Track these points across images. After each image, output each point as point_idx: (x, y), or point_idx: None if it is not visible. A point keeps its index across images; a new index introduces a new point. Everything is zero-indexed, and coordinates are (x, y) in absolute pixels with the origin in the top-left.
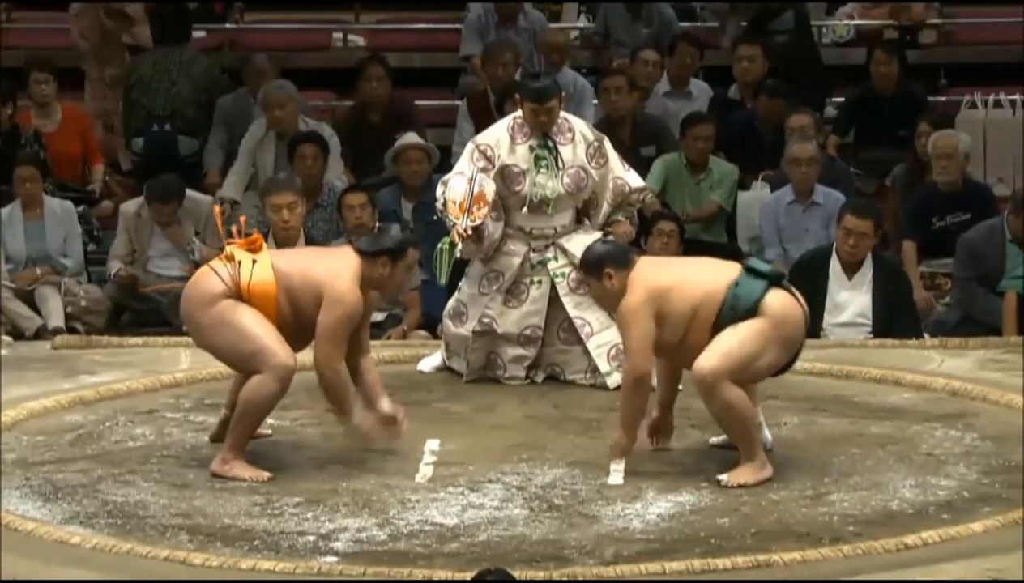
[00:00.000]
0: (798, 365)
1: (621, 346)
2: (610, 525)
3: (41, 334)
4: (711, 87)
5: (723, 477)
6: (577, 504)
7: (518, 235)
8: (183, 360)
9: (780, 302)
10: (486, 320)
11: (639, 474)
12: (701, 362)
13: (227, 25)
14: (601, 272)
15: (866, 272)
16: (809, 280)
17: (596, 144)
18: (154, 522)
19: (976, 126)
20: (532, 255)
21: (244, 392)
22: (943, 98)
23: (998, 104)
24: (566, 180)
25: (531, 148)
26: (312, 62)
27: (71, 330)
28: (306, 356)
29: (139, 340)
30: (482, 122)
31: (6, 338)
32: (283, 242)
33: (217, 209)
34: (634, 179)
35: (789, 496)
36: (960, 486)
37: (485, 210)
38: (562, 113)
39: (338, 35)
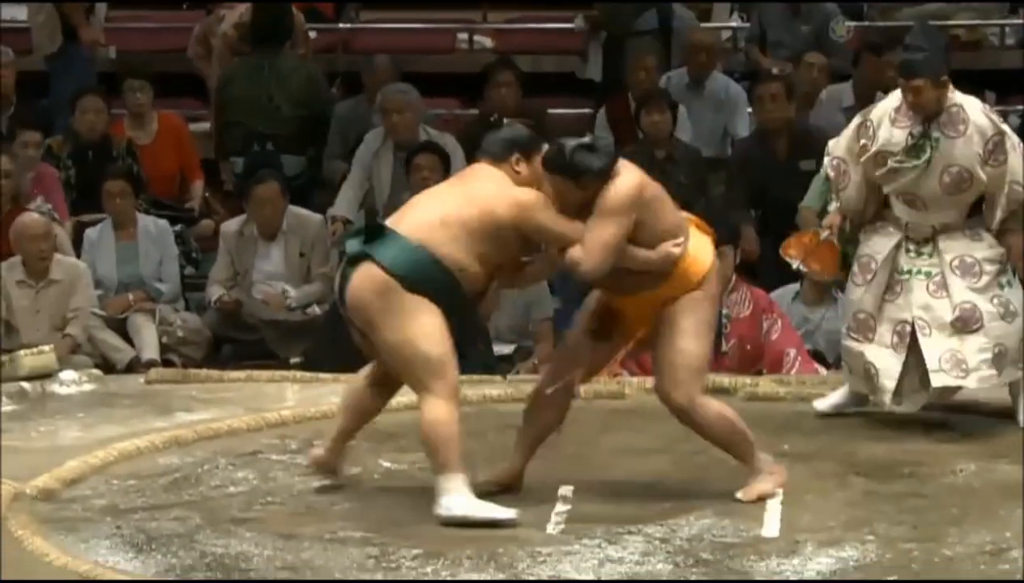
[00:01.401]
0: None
1: (960, 354)
2: None
3: (134, 367)
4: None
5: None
6: (727, 559)
7: (894, 223)
8: (289, 396)
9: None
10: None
11: (797, 526)
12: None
13: (340, 25)
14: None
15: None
16: None
17: (996, 139)
18: (257, 576)
19: None
20: (908, 246)
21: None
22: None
23: None
24: (945, 179)
25: (911, 135)
26: (434, 66)
27: (166, 363)
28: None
29: (241, 374)
30: (622, 131)
31: (95, 371)
32: None
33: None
34: None
35: (965, 552)
36: None
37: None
38: (959, 98)
39: (463, 36)
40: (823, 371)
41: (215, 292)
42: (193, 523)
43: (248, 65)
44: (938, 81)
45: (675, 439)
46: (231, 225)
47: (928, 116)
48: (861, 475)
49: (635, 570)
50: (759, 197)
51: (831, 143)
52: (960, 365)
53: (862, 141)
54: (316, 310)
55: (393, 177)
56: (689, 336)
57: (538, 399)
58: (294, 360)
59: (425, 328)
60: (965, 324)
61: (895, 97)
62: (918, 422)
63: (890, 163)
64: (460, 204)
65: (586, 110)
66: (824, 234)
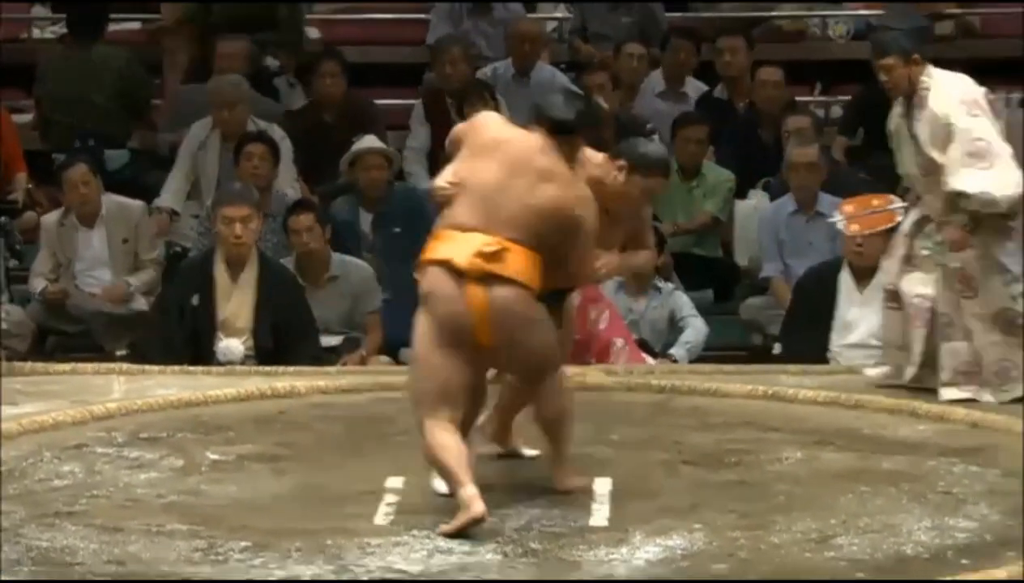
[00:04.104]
0: (800, 394)
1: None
2: (592, 572)
3: None
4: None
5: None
6: (556, 549)
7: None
8: (115, 389)
9: None
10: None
11: (625, 516)
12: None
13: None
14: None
15: (878, 287)
16: (815, 298)
17: (947, 127)
18: (83, 570)
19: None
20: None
21: (555, 411)
22: None
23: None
24: (920, 161)
25: (898, 114)
26: None
27: None
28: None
29: (66, 367)
30: (439, 125)
31: None
32: (232, 261)
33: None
34: (960, 180)
35: (791, 539)
36: (981, 528)
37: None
38: (932, 81)
39: None
40: (650, 360)
41: (38, 284)
42: (17, 517)
43: (60, 59)
44: (908, 60)
45: None
46: (51, 216)
47: (907, 97)
48: (689, 464)
49: (464, 560)
50: None
51: None
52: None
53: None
54: (142, 303)
55: (220, 167)
56: None
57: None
58: (120, 352)
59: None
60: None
61: None
62: (745, 411)
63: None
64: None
65: (414, 102)
66: (898, 205)
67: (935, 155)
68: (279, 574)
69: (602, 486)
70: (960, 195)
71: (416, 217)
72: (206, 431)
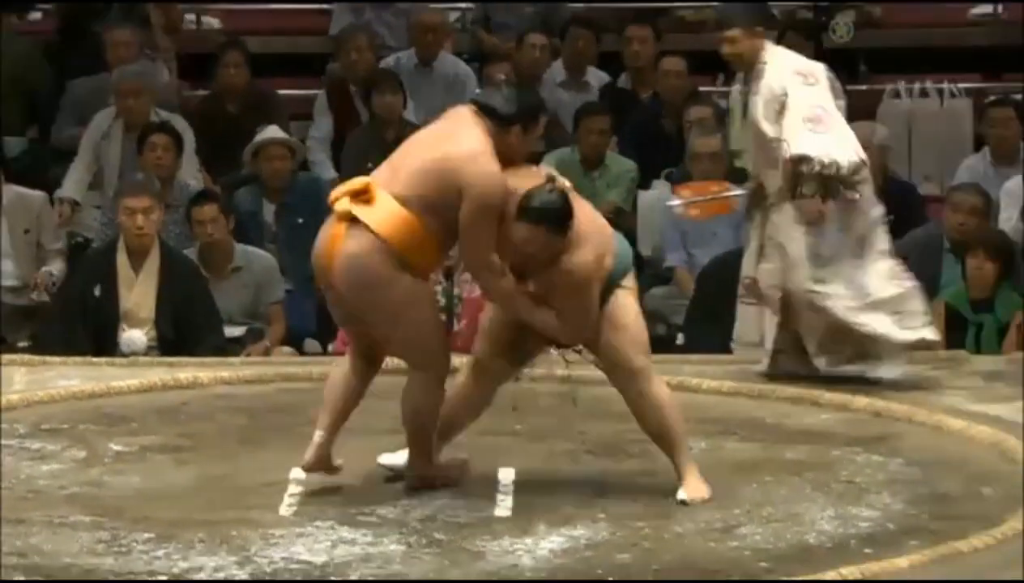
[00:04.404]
0: (704, 384)
1: None
2: (496, 562)
3: None
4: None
5: (682, 494)
6: (460, 539)
7: None
8: (16, 380)
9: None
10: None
11: (529, 506)
12: (636, 356)
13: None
14: (567, 228)
15: None
16: (719, 288)
17: (783, 99)
18: None
19: (900, 118)
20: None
21: (407, 407)
22: (863, 87)
23: (924, 94)
24: (749, 133)
25: (739, 91)
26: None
27: None
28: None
29: None
30: (343, 114)
31: None
32: (134, 252)
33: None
34: (799, 143)
35: (695, 529)
36: (884, 517)
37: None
38: (770, 56)
39: (190, 16)
40: (553, 350)
41: None
42: None
43: None
44: (752, 32)
45: None
46: None
47: (743, 69)
48: (592, 454)
49: (368, 551)
50: None
51: None
52: None
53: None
54: (44, 293)
55: (123, 157)
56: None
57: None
58: (21, 344)
59: None
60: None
61: None
62: None
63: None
64: None
65: (317, 92)
66: (736, 192)
67: (767, 128)
68: (182, 565)
69: (506, 476)
70: (802, 159)
71: (319, 207)
72: (109, 422)
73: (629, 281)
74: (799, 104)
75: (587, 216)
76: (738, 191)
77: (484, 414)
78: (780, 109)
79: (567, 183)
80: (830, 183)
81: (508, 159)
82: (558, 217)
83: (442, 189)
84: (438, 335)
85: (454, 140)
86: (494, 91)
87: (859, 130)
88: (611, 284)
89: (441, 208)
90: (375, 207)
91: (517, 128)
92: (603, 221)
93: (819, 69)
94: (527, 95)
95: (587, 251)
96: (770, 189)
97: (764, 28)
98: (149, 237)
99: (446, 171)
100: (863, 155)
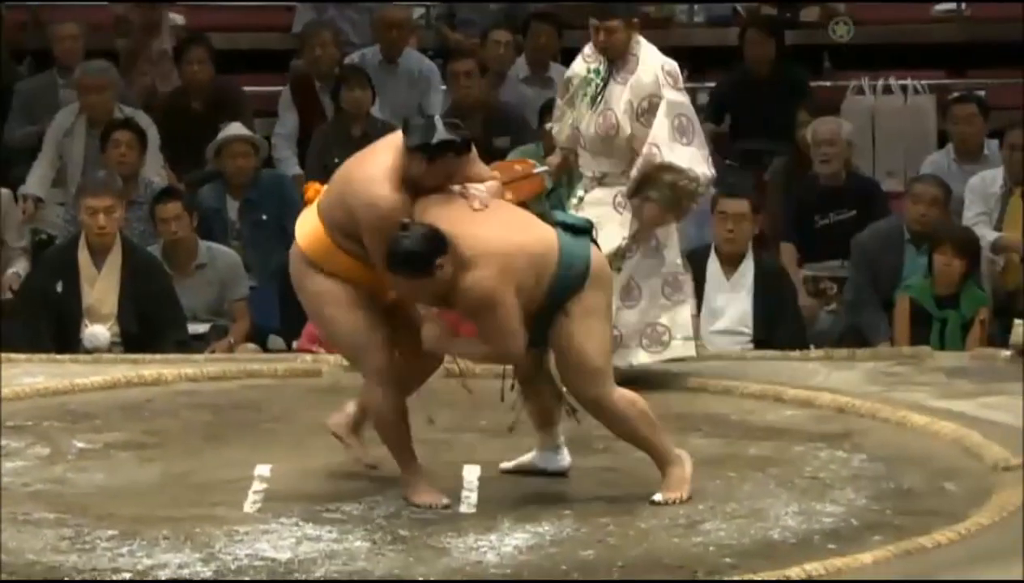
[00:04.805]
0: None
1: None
2: (461, 558)
3: None
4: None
5: (657, 496)
6: (425, 535)
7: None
8: None
9: (602, 263)
10: None
11: (494, 502)
12: (583, 387)
13: (30, 2)
14: (432, 267)
15: (746, 273)
16: None
17: (653, 100)
18: None
19: (864, 114)
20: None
21: (367, 409)
22: (827, 83)
23: (888, 90)
24: (599, 121)
25: (588, 69)
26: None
27: None
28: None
29: None
30: (308, 111)
31: None
32: (96, 249)
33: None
34: (670, 153)
35: (659, 525)
36: (847, 513)
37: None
38: (641, 49)
39: None
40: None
41: None
42: None
43: None
44: (630, 23)
45: None
46: None
47: (612, 58)
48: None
49: (333, 547)
50: None
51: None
52: None
53: (567, 75)
54: (10, 294)
55: (86, 154)
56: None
57: None
58: None
59: None
60: None
61: None
62: None
63: (570, 90)
64: None
65: (281, 88)
66: (541, 169)
67: (624, 121)
68: (146, 562)
69: (471, 473)
70: (669, 168)
71: (282, 204)
72: (72, 419)
73: (588, 297)
74: (668, 110)
75: (496, 233)
76: (543, 168)
77: (448, 412)
78: (648, 108)
79: (544, 168)
80: (680, 194)
81: (423, 187)
82: (407, 261)
83: (345, 210)
84: (361, 334)
85: (364, 163)
86: (424, 120)
87: (825, 126)
88: (556, 302)
89: (349, 228)
90: (304, 215)
91: (419, 158)
92: (532, 236)
93: (677, 69)
94: (448, 131)
95: (484, 268)
96: (588, 172)
97: (640, 21)
98: (111, 235)
99: (344, 194)
100: (714, 170)
